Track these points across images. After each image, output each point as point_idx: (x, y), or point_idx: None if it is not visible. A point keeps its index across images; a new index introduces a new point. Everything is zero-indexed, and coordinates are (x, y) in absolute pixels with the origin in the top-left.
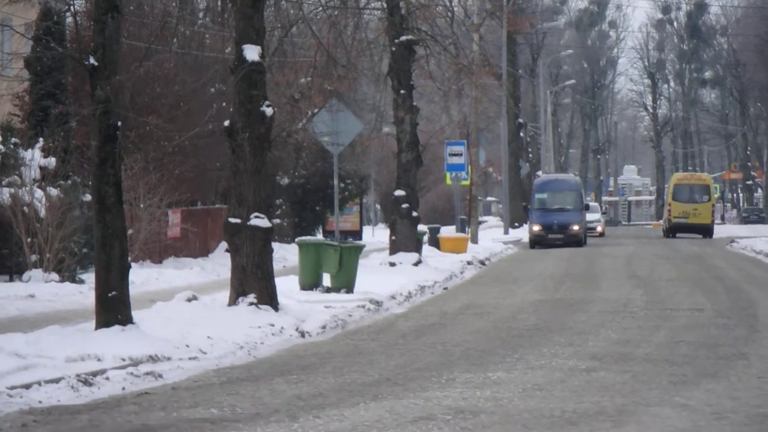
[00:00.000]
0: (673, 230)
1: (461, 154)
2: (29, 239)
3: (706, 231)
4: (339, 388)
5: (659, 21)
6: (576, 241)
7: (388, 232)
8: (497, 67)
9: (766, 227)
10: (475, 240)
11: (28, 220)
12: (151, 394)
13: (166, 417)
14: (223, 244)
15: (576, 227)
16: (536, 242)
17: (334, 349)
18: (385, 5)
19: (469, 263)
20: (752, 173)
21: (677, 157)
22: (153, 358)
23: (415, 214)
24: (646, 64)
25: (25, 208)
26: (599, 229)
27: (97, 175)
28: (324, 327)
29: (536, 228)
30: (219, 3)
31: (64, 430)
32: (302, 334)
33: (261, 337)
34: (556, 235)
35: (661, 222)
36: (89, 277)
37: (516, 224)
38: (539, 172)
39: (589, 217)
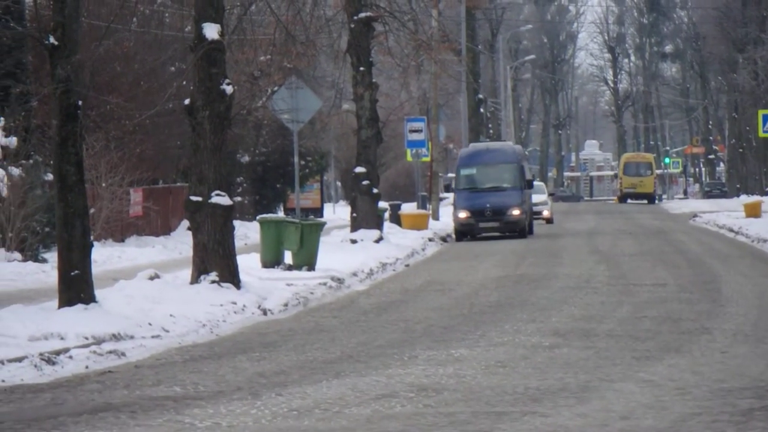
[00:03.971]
0: (624, 197)
1: (421, 131)
2: None
3: (650, 198)
4: (301, 365)
5: None
6: (517, 230)
7: (348, 209)
8: (456, 42)
9: (728, 201)
10: (436, 216)
11: None
12: (114, 373)
13: (129, 395)
14: (185, 222)
15: (516, 212)
16: (463, 233)
17: (296, 326)
18: None
19: (430, 240)
20: (714, 147)
21: (638, 132)
22: (116, 337)
23: (375, 190)
24: (606, 38)
25: None
26: (546, 213)
27: (58, 154)
28: (286, 304)
29: (462, 215)
30: None
31: (26, 409)
32: (264, 312)
33: (223, 315)
34: (489, 223)
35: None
36: (52, 256)
37: None
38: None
39: (533, 198)
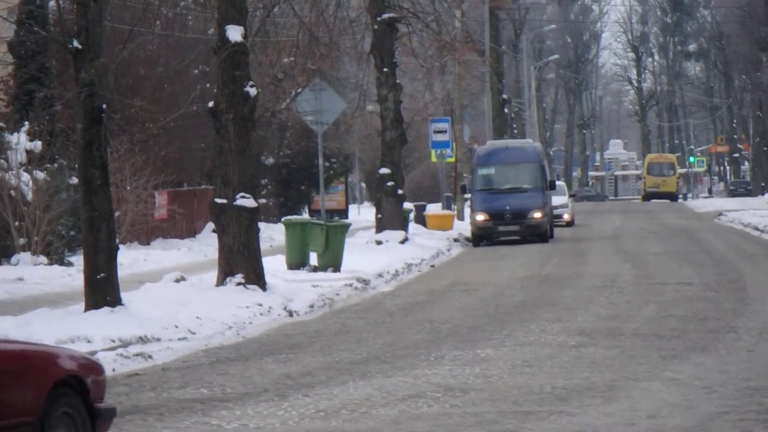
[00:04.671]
0: (648, 197)
1: (445, 131)
2: (16, 223)
3: (673, 197)
4: (328, 366)
5: None
6: (538, 234)
7: (373, 210)
8: (480, 43)
9: (753, 200)
10: (461, 217)
11: (15, 204)
12: (141, 375)
13: (156, 397)
14: (210, 225)
15: (537, 214)
16: (481, 237)
17: (322, 327)
18: None
19: (455, 240)
20: (738, 146)
21: (663, 131)
22: (142, 339)
23: (400, 191)
24: (630, 37)
25: (11, 191)
26: (566, 216)
27: (83, 158)
28: (311, 306)
29: (480, 218)
30: None
31: None
32: (290, 314)
33: (249, 317)
34: (508, 227)
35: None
36: (77, 260)
37: None
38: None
39: (554, 200)
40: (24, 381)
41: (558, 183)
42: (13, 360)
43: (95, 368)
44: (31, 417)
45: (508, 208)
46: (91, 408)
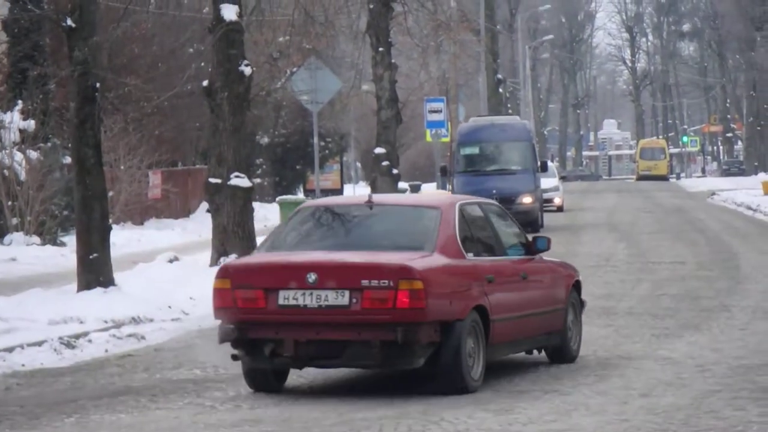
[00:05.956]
0: (641, 179)
1: (441, 111)
2: (10, 202)
3: (663, 179)
4: None
5: None
6: (528, 222)
7: (369, 190)
8: (475, 22)
9: (746, 179)
10: None
11: (8, 183)
12: (134, 356)
13: (150, 378)
14: (204, 205)
15: (528, 199)
16: None
17: None
18: None
19: None
20: (732, 125)
21: (656, 111)
22: (135, 320)
23: (395, 171)
24: (624, 17)
25: (5, 171)
26: (557, 201)
27: (76, 137)
28: None
29: None
30: None
31: (47, 393)
32: None
33: None
34: None
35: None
36: (71, 240)
37: None
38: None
39: (543, 183)
40: (561, 282)
41: (549, 164)
42: (555, 270)
43: (578, 274)
44: (563, 304)
45: (494, 192)
46: (580, 299)
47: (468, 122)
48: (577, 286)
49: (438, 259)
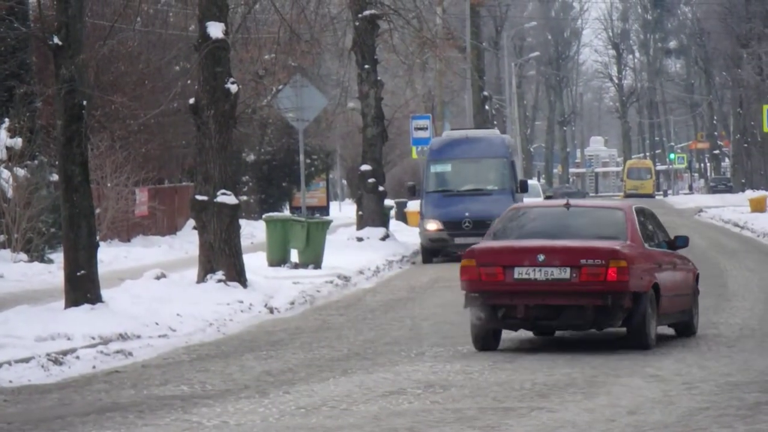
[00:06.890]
0: (628, 197)
1: (427, 128)
2: None
3: (650, 197)
4: (308, 363)
5: None
6: None
7: (354, 207)
8: (461, 39)
9: (733, 196)
10: None
11: None
12: (121, 372)
13: (137, 395)
14: (191, 222)
15: None
16: (433, 252)
17: (302, 324)
18: None
19: None
20: (719, 142)
21: (643, 128)
22: (123, 336)
23: (381, 188)
24: (611, 34)
25: None
26: None
27: (63, 155)
28: (292, 303)
29: (432, 226)
30: None
31: (34, 410)
32: (271, 310)
33: (230, 314)
34: (468, 239)
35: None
36: (58, 257)
37: None
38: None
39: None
40: (690, 273)
41: (531, 183)
42: (686, 263)
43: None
44: (692, 290)
45: (467, 214)
46: (697, 288)
47: (440, 136)
48: (696, 278)
49: (632, 246)
